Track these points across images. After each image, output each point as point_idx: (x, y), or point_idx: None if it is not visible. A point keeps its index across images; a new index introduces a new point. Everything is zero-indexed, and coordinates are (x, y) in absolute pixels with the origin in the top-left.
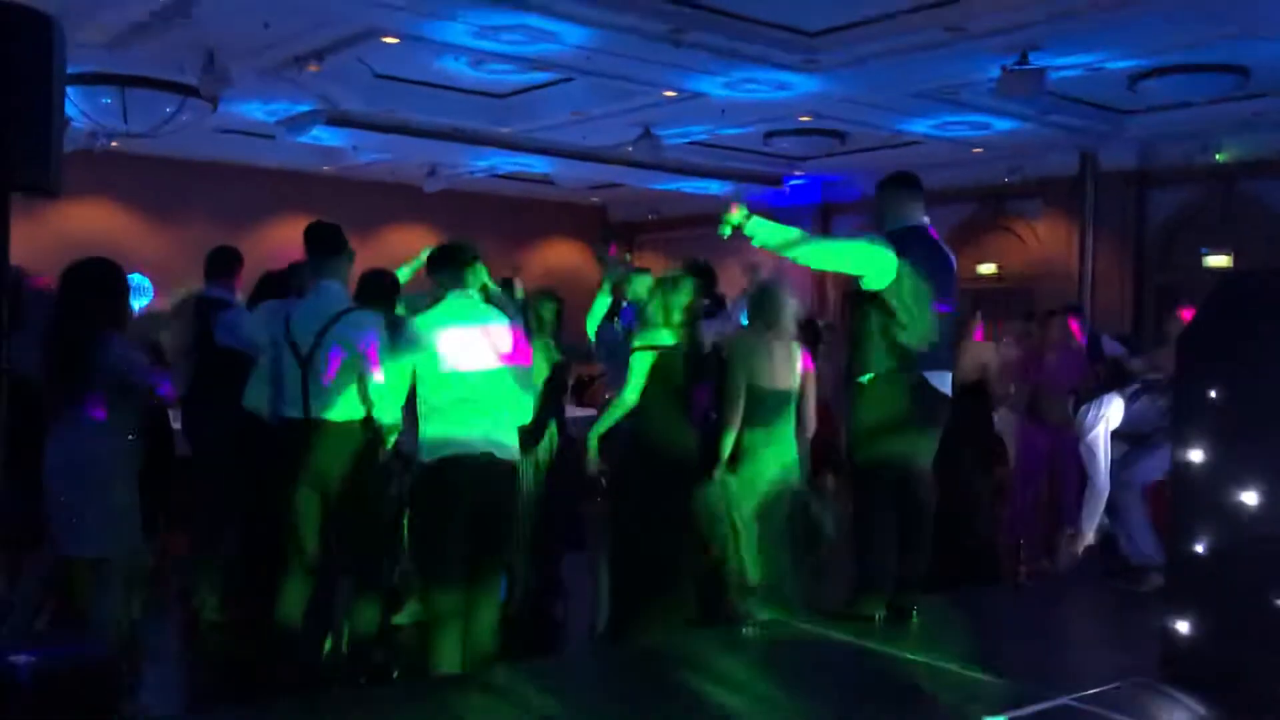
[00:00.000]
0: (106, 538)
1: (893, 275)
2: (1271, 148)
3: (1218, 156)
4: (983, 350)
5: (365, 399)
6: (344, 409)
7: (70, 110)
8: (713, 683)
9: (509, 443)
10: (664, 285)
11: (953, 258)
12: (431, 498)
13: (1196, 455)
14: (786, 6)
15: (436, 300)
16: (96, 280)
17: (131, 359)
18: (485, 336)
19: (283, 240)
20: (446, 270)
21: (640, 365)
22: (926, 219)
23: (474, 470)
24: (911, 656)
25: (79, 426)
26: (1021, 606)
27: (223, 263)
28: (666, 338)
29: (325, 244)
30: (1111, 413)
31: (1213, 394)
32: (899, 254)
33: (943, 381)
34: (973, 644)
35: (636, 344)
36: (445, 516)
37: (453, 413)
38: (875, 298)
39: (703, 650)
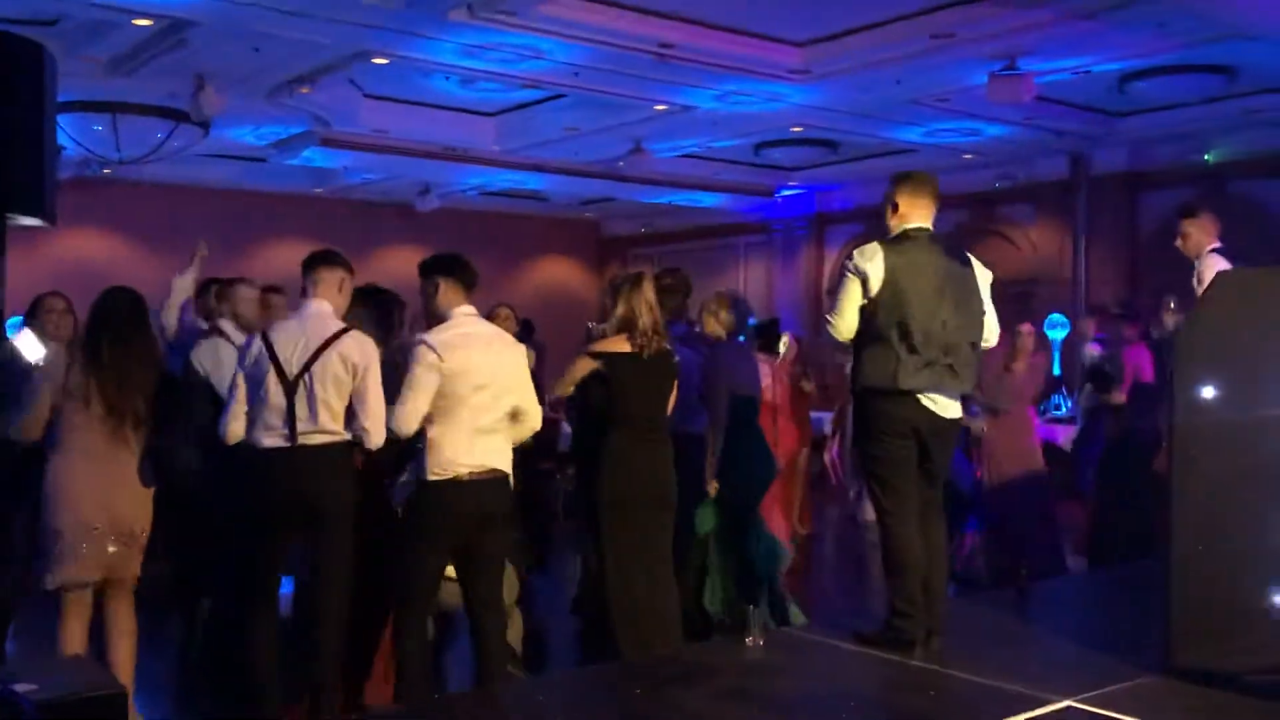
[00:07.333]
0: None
1: None
2: (1261, 147)
3: (1206, 157)
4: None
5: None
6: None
7: (62, 138)
8: (712, 696)
9: (508, 457)
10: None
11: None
12: (434, 515)
13: (1197, 454)
14: (774, 17)
15: (440, 320)
16: (132, 311)
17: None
18: (493, 353)
19: (277, 264)
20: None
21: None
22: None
23: (478, 487)
24: (915, 663)
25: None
26: (1024, 609)
27: None
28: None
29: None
30: None
31: (1210, 392)
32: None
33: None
34: (976, 648)
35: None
36: (444, 534)
37: (463, 430)
38: None
39: (704, 661)
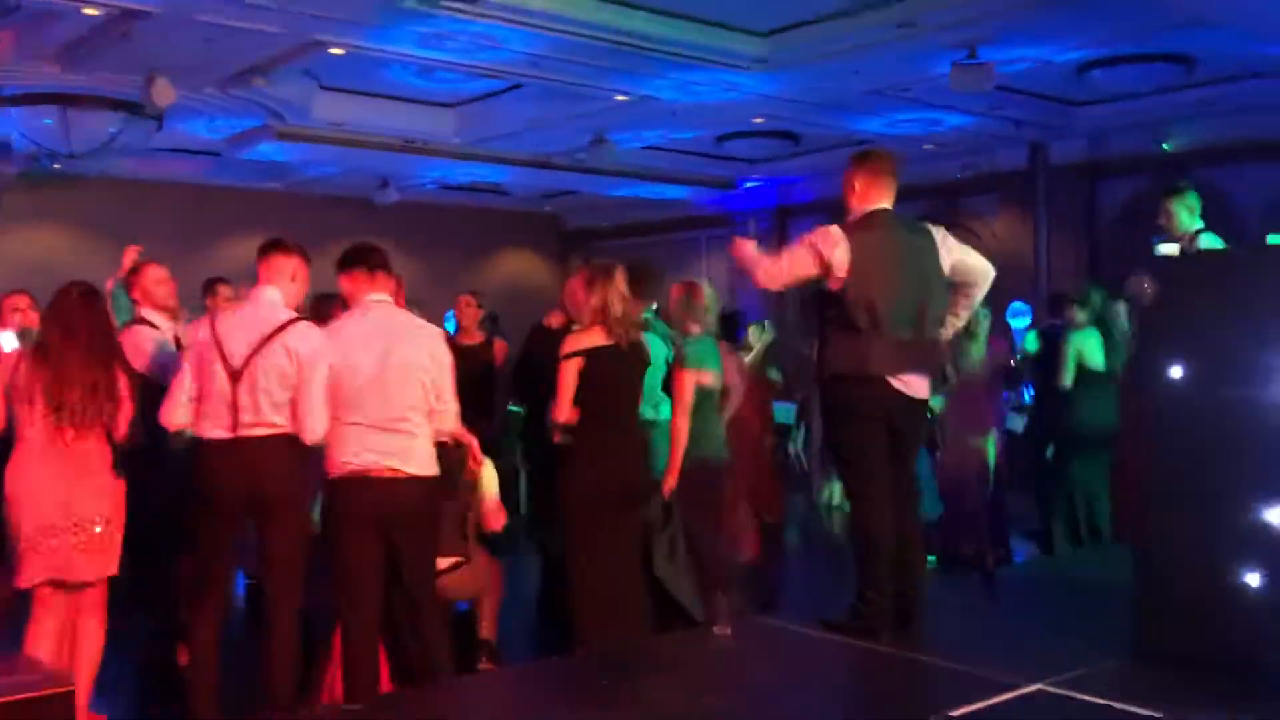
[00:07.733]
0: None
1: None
2: (1218, 135)
3: (1164, 146)
4: None
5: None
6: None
7: (11, 131)
8: (682, 684)
9: (421, 457)
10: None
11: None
12: (332, 514)
13: (1164, 436)
14: (736, 6)
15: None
16: (81, 303)
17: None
18: (381, 346)
19: (236, 259)
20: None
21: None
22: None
23: (375, 486)
24: (883, 648)
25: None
26: (991, 593)
27: None
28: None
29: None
30: None
31: (1179, 373)
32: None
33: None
34: (945, 633)
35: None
36: (346, 532)
37: (348, 427)
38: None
39: (673, 650)
